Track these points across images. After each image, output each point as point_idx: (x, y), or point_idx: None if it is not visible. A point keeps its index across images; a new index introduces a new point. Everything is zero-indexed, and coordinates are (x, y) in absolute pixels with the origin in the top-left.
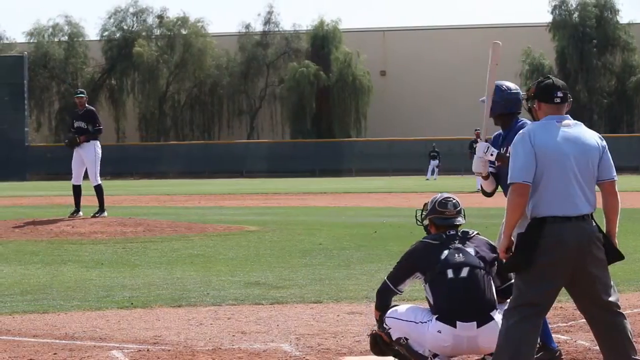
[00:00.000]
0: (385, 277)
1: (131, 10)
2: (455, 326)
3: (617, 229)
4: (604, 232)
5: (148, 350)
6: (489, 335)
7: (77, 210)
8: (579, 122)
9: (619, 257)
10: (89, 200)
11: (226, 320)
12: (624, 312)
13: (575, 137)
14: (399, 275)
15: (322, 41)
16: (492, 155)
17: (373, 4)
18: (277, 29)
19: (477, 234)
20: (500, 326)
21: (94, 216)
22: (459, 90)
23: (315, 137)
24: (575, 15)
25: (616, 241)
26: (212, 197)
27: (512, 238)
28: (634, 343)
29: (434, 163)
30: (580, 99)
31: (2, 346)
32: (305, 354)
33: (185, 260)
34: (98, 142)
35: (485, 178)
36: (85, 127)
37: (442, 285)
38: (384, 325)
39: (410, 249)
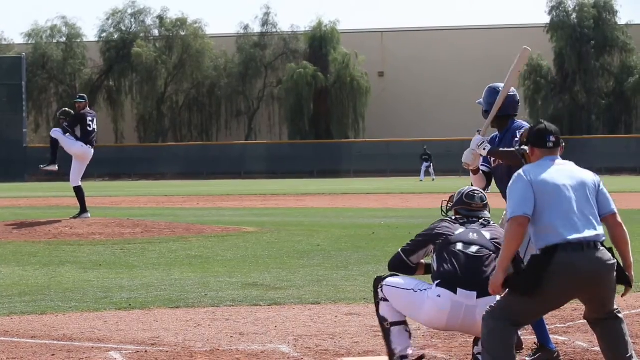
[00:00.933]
0: (399, 249)
1: (129, 11)
2: (455, 292)
3: (632, 260)
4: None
5: (146, 351)
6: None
7: (84, 210)
8: (571, 162)
9: (628, 284)
10: (74, 201)
11: (224, 321)
12: (621, 315)
13: (570, 172)
14: (413, 248)
15: (320, 42)
16: (484, 149)
17: (371, 5)
18: (275, 30)
19: (497, 225)
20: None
21: (74, 217)
22: (457, 91)
23: (313, 138)
24: (574, 16)
25: (632, 273)
26: (210, 199)
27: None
28: (630, 344)
29: (426, 165)
30: (579, 100)
31: (1, 347)
32: (303, 355)
33: (184, 262)
34: (82, 144)
35: (475, 173)
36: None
37: (449, 255)
38: (379, 294)
39: (429, 228)
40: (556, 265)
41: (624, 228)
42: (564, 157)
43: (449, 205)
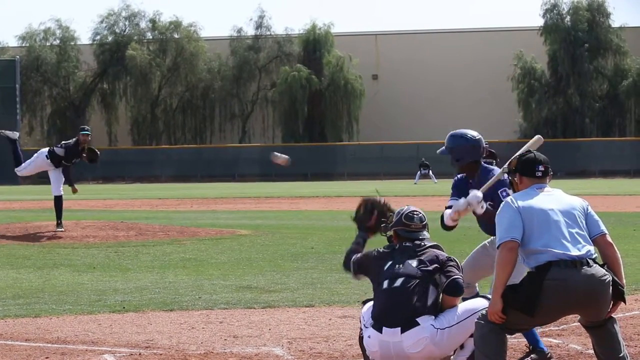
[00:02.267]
0: (353, 259)
1: (123, 14)
2: (381, 332)
3: (624, 281)
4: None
5: (140, 354)
6: (413, 340)
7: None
8: (559, 189)
9: (623, 300)
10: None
11: (218, 324)
12: (615, 317)
13: (556, 198)
14: (357, 268)
15: (314, 45)
16: (482, 208)
17: (365, 8)
18: (268, 33)
19: (432, 246)
20: (425, 330)
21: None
22: (451, 93)
23: (307, 141)
24: (567, 19)
25: (624, 291)
26: (204, 201)
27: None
28: (623, 344)
29: (424, 172)
30: (572, 103)
31: None
32: (297, 358)
33: (177, 265)
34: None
35: (454, 219)
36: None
37: (378, 294)
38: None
39: (366, 255)
40: (551, 281)
41: (615, 248)
42: (558, 156)
43: (388, 224)
